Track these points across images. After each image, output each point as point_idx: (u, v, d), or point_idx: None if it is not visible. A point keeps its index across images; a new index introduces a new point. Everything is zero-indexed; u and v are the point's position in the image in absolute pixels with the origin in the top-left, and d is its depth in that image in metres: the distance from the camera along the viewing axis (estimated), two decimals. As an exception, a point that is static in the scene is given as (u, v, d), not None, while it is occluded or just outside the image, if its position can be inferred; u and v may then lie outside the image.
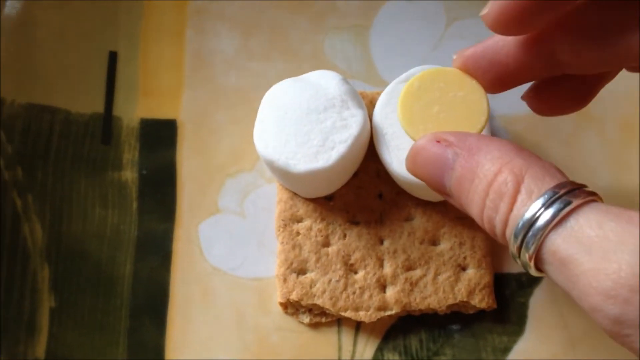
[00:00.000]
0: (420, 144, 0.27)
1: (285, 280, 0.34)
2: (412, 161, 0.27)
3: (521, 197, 0.23)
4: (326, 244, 0.35)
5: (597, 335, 0.34)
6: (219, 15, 0.40)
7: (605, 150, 0.37)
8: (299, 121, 0.32)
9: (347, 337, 0.35)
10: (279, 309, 0.35)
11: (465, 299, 0.34)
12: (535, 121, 0.36)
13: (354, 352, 0.35)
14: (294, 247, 0.34)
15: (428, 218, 0.35)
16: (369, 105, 0.36)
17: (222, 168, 0.37)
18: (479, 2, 0.39)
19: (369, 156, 0.35)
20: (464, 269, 0.34)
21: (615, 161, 0.37)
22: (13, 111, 0.37)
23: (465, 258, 0.34)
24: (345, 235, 0.35)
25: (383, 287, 0.34)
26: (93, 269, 0.36)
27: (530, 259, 0.23)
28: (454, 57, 0.29)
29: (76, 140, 0.37)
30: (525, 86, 0.31)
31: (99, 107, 0.38)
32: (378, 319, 0.34)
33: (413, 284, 0.34)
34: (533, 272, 0.23)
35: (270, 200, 0.36)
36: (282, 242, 0.35)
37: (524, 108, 0.32)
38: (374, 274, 0.34)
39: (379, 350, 0.35)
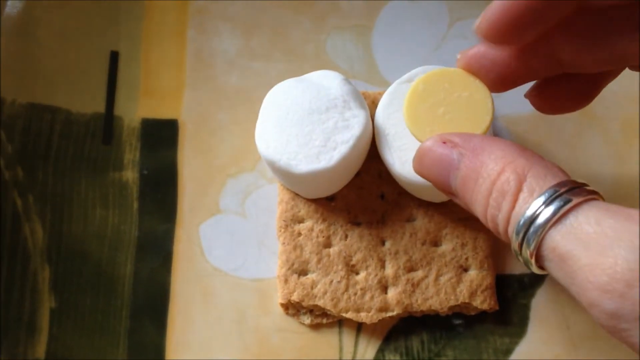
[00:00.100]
0: (427, 145, 0.27)
1: (286, 281, 0.34)
2: (419, 162, 0.28)
3: (523, 195, 0.23)
4: (327, 244, 0.34)
5: (600, 337, 0.34)
6: (221, 15, 0.40)
7: (608, 149, 0.37)
8: (301, 121, 0.32)
9: (348, 338, 0.35)
10: (280, 309, 0.35)
11: (467, 300, 0.34)
12: (538, 121, 0.36)
13: (355, 353, 0.35)
14: (295, 247, 0.34)
15: (430, 219, 0.35)
16: (371, 105, 0.36)
17: (223, 168, 0.37)
18: (482, 2, 0.39)
19: (371, 157, 0.35)
20: (465, 270, 0.34)
21: (618, 160, 0.37)
22: (14, 111, 0.37)
23: (467, 259, 0.34)
24: (346, 236, 0.35)
25: (384, 288, 0.34)
26: (93, 269, 0.36)
27: (531, 255, 0.23)
28: (458, 57, 0.29)
29: (77, 140, 0.37)
30: (529, 85, 0.31)
31: (100, 106, 0.38)
32: (379, 320, 0.34)
33: (415, 285, 0.34)
34: (534, 268, 0.24)
35: (272, 200, 0.36)
36: (283, 243, 0.35)
37: (526, 108, 0.32)
38: (376, 275, 0.34)
39: (380, 351, 0.35)
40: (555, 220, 0.22)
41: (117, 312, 0.35)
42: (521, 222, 0.23)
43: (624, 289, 0.20)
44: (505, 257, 0.36)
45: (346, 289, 0.34)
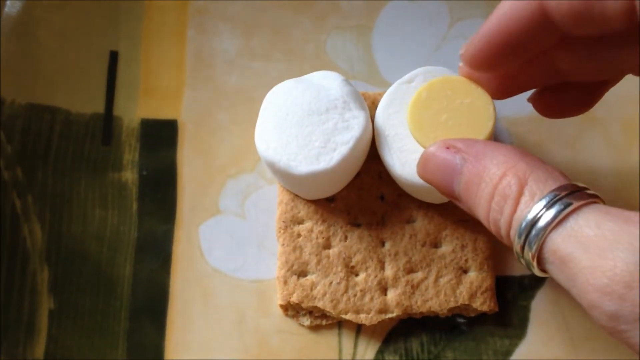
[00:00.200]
0: (431, 150, 0.28)
1: (285, 282, 0.34)
2: (423, 167, 0.29)
3: (524, 199, 0.24)
4: (327, 246, 0.34)
5: (599, 338, 0.35)
6: (221, 15, 0.40)
7: (609, 150, 0.37)
8: (301, 122, 0.32)
9: (347, 339, 0.35)
10: (280, 311, 0.35)
11: (466, 302, 0.34)
12: (539, 123, 0.36)
13: (354, 354, 0.35)
14: (294, 249, 0.34)
15: (430, 220, 0.35)
16: (371, 106, 0.36)
17: (223, 169, 0.37)
18: (483, 3, 0.39)
19: (371, 158, 0.35)
20: (465, 271, 0.34)
21: (619, 163, 0.37)
22: (13, 111, 0.37)
23: (467, 261, 0.34)
24: (346, 237, 0.34)
25: (384, 290, 0.34)
26: (93, 270, 0.36)
27: (533, 258, 0.23)
28: (460, 64, 0.30)
29: (76, 140, 0.37)
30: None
31: (99, 107, 0.38)
32: (379, 322, 0.34)
33: (414, 287, 0.34)
34: (536, 271, 0.24)
35: (271, 201, 0.36)
36: (283, 244, 0.35)
37: (527, 110, 0.32)
38: (375, 276, 0.34)
39: (380, 352, 0.35)
40: (556, 223, 0.23)
41: (117, 313, 0.35)
42: (523, 225, 0.24)
43: (624, 291, 0.20)
44: (505, 259, 0.36)
45: (346, 291, 0.34)
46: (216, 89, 0.39)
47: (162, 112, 0.38)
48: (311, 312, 0.35)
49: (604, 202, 0.23)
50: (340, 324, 0.35)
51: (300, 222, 0.35)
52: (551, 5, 0.25)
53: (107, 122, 0.38)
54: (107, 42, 0.39)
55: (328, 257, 0.34)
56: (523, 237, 0.24)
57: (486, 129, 0.30)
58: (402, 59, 0.39)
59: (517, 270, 0.36)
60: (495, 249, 0.35)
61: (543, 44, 0.27)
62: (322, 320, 0.35)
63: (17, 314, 0.35)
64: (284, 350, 0.35)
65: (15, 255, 0.35)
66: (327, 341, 0.35)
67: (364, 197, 0.35)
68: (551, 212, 0.23)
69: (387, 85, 0.36)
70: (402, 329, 0.35)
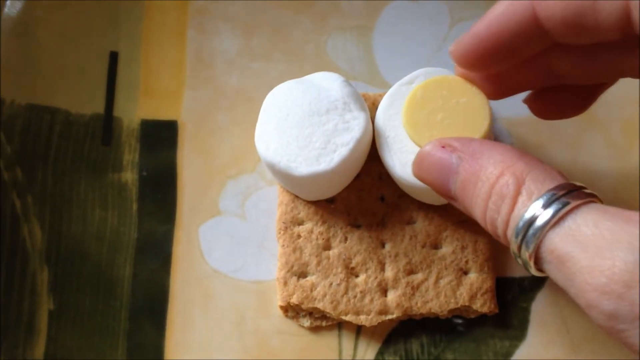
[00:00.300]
0: (426, 149, 0.28)
1: (285, 283, 0.34)
2: (419, 166, 0.29)
3: (522, 199, 0.24)
4: (327, 247, 0.34)
5: (600, 340, 0.35)
6: (221, 15, 0.40)
7: (609, 151, 0.38)
8: (301, 123, 0.32)
9: (347, 340, 0.35)
10: (280, 312, 0.35)
11: (467, 304, 0.34)
12: (539, 123, 0.36)
13: (354, 355, 0.35)
14: (294, 250, 0.34)
15: (430, 221, 0.35)
16: (372, 107, 0.36)
17: (223, 169, 0.37)
18: (484, 3, 0.39)
19: (371, 159, 0.35)
20: (465, 273, 0.34)
21: (619, 163, 0.37)
22: (13, 111, 0.37)
23: (467, 262, 0.34)
24: (346, 239, 0.35)
25: (384, 291, 0.34)
26: (92, 270, 0.36)
27: (530, 257, 0.24)
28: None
29: (76, 140, 0.38)
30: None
31: (99, 107, 0.38)
32: (379, 323, 0.34)
33: (414, 288, 0.34)
34: (533, 271, 0.24)
35: (271, 202, 0.36)
36: (283, 245, 0.35)
37: (527, 110, 0.33)
38: (375, 277, 0.34)
39: (380, 354, 0.35)
40: (554, 222, 0.23)
41: (117, 314, 0.35)
42: (520, 224, 0.24)
43: (622, 290, 0.20)
44: (506, 260, 0.36)
45: (346, 292, 0.34)
46: (216, 89, 0.39)
47: (162, 113, 0.38)
48: (311, 313, 0.35)
49: (601, 202, 0.24)
50: (340, 325, 0.35)
51: (301, 223, 0.35)
52: (543, 15, 0.25)
53: (107, 123, 0.38)
54: (107, 43, 0.39)
55: (328, 258, 0.34)
56: (520, 237, 0.24)
57: (482, 128, 0.30)
58: (403, 59, 0.39)
59: (517, 271, 0.36)
60: (496, 250, 0.35)
61: (534, 49, 0.27)
62: (322, 321, 0.35)
63: (16, 314, 0.35)
64: (284, 351, 0.35)
65: (15, 256, 0.35)
66: (327, 342, 0.35)
67: (364, 198, 0.35)
68: (549, 212, 0.23)
69: (388, 86, 0.36)
70: (402, 331, 0.35)
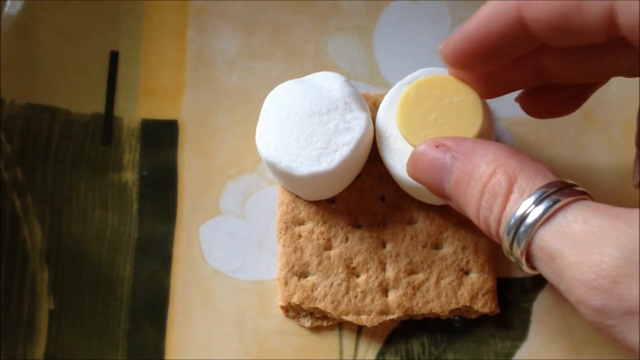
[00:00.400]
0: (420, 149, 0.28)
1: (286, 283, 0.34)
2: (413, 166, 0.29)
3: (513, 196, 0.24)
4: (328, 247, 0.35)
5: (601, 341, 0.35)
6: (221, 15, 0.40)
7: (610, 152, 0.38)
8: (302, 123, 0.32)
9: (348, 341, 0.35)
10: (280, 312, 0.35)
11: (468, 304, 0.34)
12: (540, 124, 0.36)
13: (355, 355, 0.35)
14: (295, 250, 0.34)
15: (431, 221, 0.35)
16: (372, 107, 0.36)
17: (223, 169, 0.37)
18: (484, 3, 0.39)
19: (372, 159, 0.35)
20: (466, 273, 0.34)
21: (620, 164, 0.37)
22: (13, 111, 0.37)
23: (468, 262, 0.34)
24: (347, 239, 0.35)
25: (385, 291, 0.34)
26: (93, 271, 0.36)
27: (521, 254, 0.24)
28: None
29: (76, 140, 0.38)
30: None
31: (99, 107, 0.38)
32: (380, 323, 0.34)
33: (415, 288, 0.34)
34: (525, 268, 0.25)
35: (272, 202, 0.37)
36: (284, 245, 0.35)
37: (527, 110, 0.32)
38: (376, 277, 0.34)
39: (381, 354, 0.35)
40: (544, 219, 0.23)
41: (117, 314, 0.35)
42: (512, 222, 0.24)
43: (610, 286, 0.21)
44: (507, 261, 0.35)
45: (347, 292, 0.34)
46: (216, 89, 0.39)
47: (162, 113, 0.38)
48: (312, 313, 0.35)
49: (592, 199, 0.24)
50: (341, 325, 0.35)
51: (301, 223, 0.35)
52: (528, 17, 0.25)
53: (107, 123, 0.38)
54: (107, 42, 0.39)
55: (329, 258, 0.34)
56: (512, 234, 0.24)
57: (475, 127, 0.30)
58: (404, 60, 0.39)
59: (518, 272, 0.36)
60: (497, 250, 0.35)
61: (522, 49, 0.27)
62: (322, 321, 0.35)
63: (17, 314, 0.35)
64: (284, 352, 0.35)
65: (15, 256, 0.36)
66: (328, 342, 0.35)
67: (365, 198, 0.35)
68: (540, 209, 0.23)
69: (389, 86, 0.36)
70: (403, 331, 0.35)
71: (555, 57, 0.28)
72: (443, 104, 0.31)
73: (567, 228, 0.22)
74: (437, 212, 0.35)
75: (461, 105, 0.31)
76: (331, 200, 0.36)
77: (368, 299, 0.34)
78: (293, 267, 0.35)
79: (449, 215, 0.35)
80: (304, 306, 0.34)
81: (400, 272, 0.34)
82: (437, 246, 0.35)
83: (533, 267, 0.24)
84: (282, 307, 0.35)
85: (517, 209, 0.24)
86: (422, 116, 0.31)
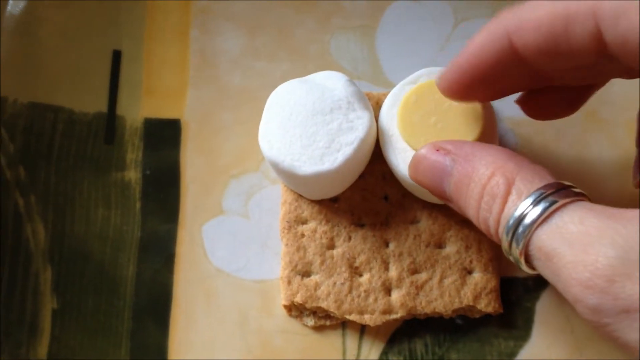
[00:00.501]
0: (421, 153, 0.29)
1: (289, 282, 0.34)
2: (414, 169, 0.30)
3: (512, 198, 0.25)
4: (331, 246, 0.35)
5: (604, 341, 0.35)
6: (224, 15, 0.40)
7: (613, 152, 0.38)
8: (305, 123, 0.32)
9: (351, 340, 0.35)
10: (283, 311, 0.35)
11: (471, 303, 0.34)
12: (543, 123, 0.36)
13: (358, 355, 0.35)
14: (298, 249, 0.34)
15: (434, 221, 0.35)
16: (375, 106, 0.36)
17: (226, 169, 0.38)
18: (487, 3, 0.39)
19: (375, 158, 0.35)
20: (470, 272, 0.34)
21: (624, 164, 0.38)
22: (16, 110, 0.38)
23: (471, 262, 0.34)
24: (350, 238, 0.35)
25: (388, 291, 0.34)
26: (95, 270, 0.36)
27: (520, 254, 0.25)
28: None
29: (79, 139, 0.38)
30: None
31: (102, 106, 0.38)
32: (383, 323, 0.34)
33: (419, 288, 0.34)
34: (524, 267, 0.25)
35: (275, 201, 0.37)
36: (287, 244, 0.35)
37: (531, 111, 0.32)
38: (379, 277, 0.34)
39: (384, 353, 0.35)
40: (542, 220, 0.24)
41: (120, 313, 0.36)
42: (510, 222, 0.25)
43: (605, 285, 0.21)
44: (509, 260, 0.35)
45: (350, 291, 0.34)
46: (219, 88, 0.39)
47: (165, 112, 0.39)
48: (315, 312, 0.35)
49: (589, 200, 0.24)
50: (344, 325, 0.35)
51: (304, 222, 0.35)
52: (519, 44, 0.26)
53: (110, 122, 0.38)
54: (110, 41, 0.40)
55: (332, 257, 0.35)
56: (510, 235, 0.25)
57: (475, 130, 0.31)
58: (406, 59, 0.39)
59: (521, 271, 0.35)
60: (500, 250, 0.35)
61: (515, 76, 0.28)
62: (326, 320, 0.35)
63: (20, 314, 0.35)
64: (287, 351, 0.35)
65: (18, 255, 0.36)
66: (331, 342, 0.35)
67: (368, 197, 0.36)
68: (537, 210, 0.24)
69: (391, 85, 0.37)
70: (406, 330, 0.35)
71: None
72: (443, 108, 0.31)
73: (564, 228, 0.23)
74: (440, 211, 0.35)
75: (461, 109, 0.31)
76: (334, 200, 0.36)
77: (371, 298, 0.34)
78: (296, 266, 0.35)
79: (452, 214, 0.35)
80: (307, 305, 0.34)
81: (404, 271, 0.34)
82: (440, 245, 0.35)
83: (532, 267, 0.25)
84: (285, 306, 0.35)
85: (515, 210, 0.24)
86: (422, 120, 0.31)
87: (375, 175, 0.36)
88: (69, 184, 0.37)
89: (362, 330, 0.35)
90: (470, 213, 0.27)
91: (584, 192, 0.24)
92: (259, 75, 0.39)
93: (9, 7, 0.38)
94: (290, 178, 0.34)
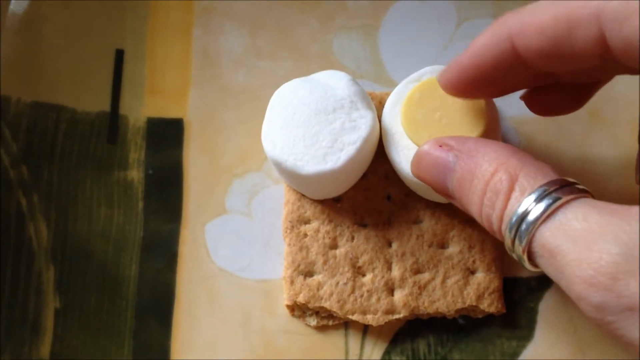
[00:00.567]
0: (424, 149, 0.29)
1: (292, 282, 0.34)
2: (417, 165, 0.30)
3: (515, 194, 0.25)
4: (334, 246, 0.35)
5: (607, 341, 0.35)
6: (227, 14, 0.40)
7: (617, 151, 0.38)
8: (308, 122, 0.32)
9: (354, 340, 0.35)
10: (286, 311, 0.35)
11: (474, 303, 0.34)
12: (547, 122, 0.36)
13: (361, 355, 0.35)
14: (301, 248, 0.34)
15: (437, 220, 0.35)
16: (378, 105, 0.36)
17: (229, 168, 0.38)
18: (490, 3, 0.39)
19: (378, 157, 0.35)
20: (473, 272, 0.34)
21: (627, 162, 0.38)
22: (18, 109, 0.38)
23: (474, 262, 0.34)
24: (353, 238, 0.35)
25: (391, 290, 0.34)
26: (98, 269, 0.36)
27: (523, 251, 0.25)
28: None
29: (82, 139, 0.38)
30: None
31: (105, 105, 0.38)
32: (386, 323, 0.34)
33: (421, 288, 0.34)
34: (527, 265, 0.25)
35: (278, 201, 0.37)
36: (289, 244, 0.35)
37: (534, 109, 0.32)
38: (382, 276, 0.34)
39: (387, 353, 0.35)
40: (545, 217, 0.24)
41: (122, 313, 0.36)
42: (513, 219, 0.25)
43: (609, 282, 0.21)
44: (513, 260, 0.35)
45: (352, 291, 0.34)
46: (222, 87, 0.39)
47: (168, 111, 0.39)
48: (318, 312, 0.35)
49: (593, 197, 0.24)
50: (346, 325, 0.35)
51: (307, 222, 0.35)
52: (521, 47, 0.26)
53: (113, 121, 0.38)
54: (113, 41, 0.40)
55: (335, 257, 0.34)
56: (514, 232, 0.25)
57: (479, 126, 0.31)
58: (409, 58, 0.39)
59: (524, 271, 0.36)
60: (503, 250, 0.35)
61: (517, 77, 0.28)
62: (328, 320, 0.35)
63: (22, 313, 0.35)
64: (290, 351, 0.35)
65: (20, 254, 0.36)
66: (334, 341, 0.35)
67: (371, 197, 0.36)
68: (540, 206, 0.24)
69: (394, 84, 0.37)
70: (409, 330, 0.35)
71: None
72: (447, 104, 0.31)
73: (567, 225, 0.23)
74: (443, 211, 0.35)
75: (465, 105, 0.31)
76: (337, 199, 0.36)
77: (374, 298, 0.34)
78: (299, 266, 0.35)
79: (455, 214, 0.35)
80: (310, 305, 0.34)
81: (406, 271, 0.34)
82: (443, 245, 0.35)
83: (535, 265, 0.25)
84: (287, 306, 0.35)
85: (519, 206, 0.24)
86: (426, 116, 0.31)
87: (378, 175, 0.36)
88: (71, 183, 0.37)
89: (365, 330, 0.35)
90: (473, 210, 0.27)
91: (587, 188, 0.24)
92: (261, 74, 0.39)
93: (11, 6, 0.38)
94: (293, 178, 0.34)
